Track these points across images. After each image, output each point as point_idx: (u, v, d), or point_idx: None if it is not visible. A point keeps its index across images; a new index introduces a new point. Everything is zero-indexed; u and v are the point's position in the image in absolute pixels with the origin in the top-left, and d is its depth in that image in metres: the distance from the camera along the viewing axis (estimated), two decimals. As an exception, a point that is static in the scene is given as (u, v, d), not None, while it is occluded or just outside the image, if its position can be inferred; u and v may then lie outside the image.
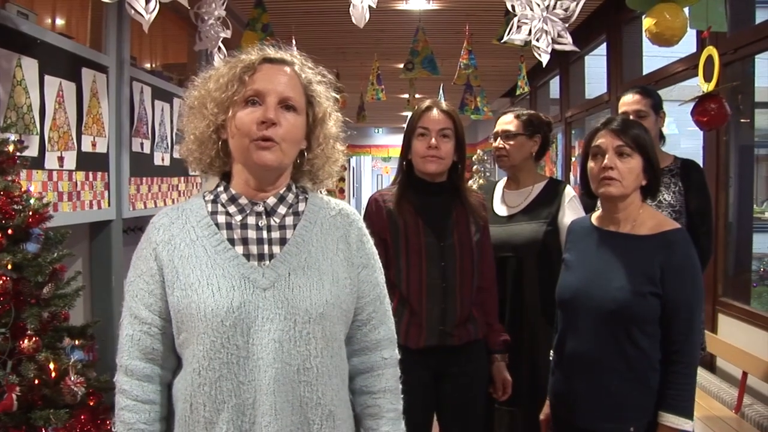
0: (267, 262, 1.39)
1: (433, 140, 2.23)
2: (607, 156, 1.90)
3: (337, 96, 1.54)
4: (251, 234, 1.41)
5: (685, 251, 1.89)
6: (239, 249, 1.39)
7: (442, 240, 2.25)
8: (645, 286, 1.85)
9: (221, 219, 1.43)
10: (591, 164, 1.96)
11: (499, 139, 2.70)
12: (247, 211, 1.43)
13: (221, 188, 1.47)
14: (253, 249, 1.40)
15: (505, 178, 2.87)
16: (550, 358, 2.22)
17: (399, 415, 1.57)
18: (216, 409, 1.32)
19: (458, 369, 2.28)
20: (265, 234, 1.42)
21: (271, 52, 1.44)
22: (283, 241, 1.42)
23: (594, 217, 2.08)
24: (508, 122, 2.72)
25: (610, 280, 1.90)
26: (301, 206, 1.49)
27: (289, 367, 1.34)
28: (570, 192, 2.71)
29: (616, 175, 1.89)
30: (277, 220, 1.44)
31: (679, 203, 2.64)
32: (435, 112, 2.28)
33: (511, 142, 2.69)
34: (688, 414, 1.82)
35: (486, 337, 2.36)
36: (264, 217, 1.43)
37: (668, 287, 1.85)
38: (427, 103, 2.33)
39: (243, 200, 1.43)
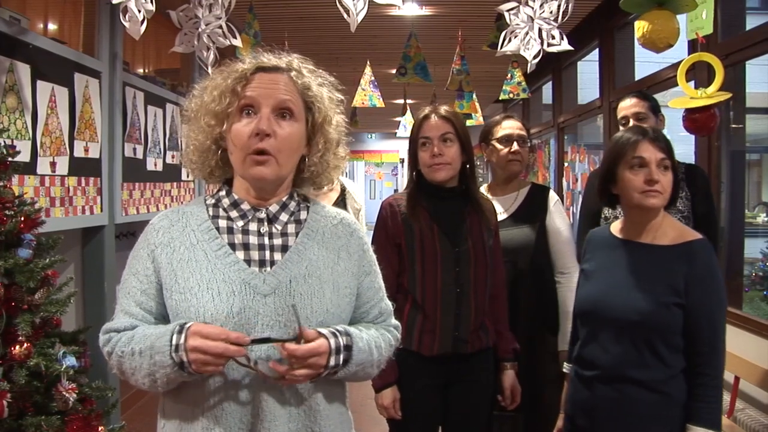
0: (268, 269, 1.38)
1: (436, 148, 2.23)
2: (653, 169, 1.89)
3: (342, 97, 1.52)
4: (253, 240, 1.41)
5: (708, 262, 1.88)
6: (240, 254, 1.38)
7: (456, 246, 2.24)
8: (669, 297, 1.84)
9: (222, 223, 1.42)
10: (630, 176, 1.92)
11: (515, 143, 2.70)
12: (249, 217, 1.42)
13: (223, 192, 1.46)
14: (255, 255, 1.39)
15: (486, 184, 2.87)
16: (565, 370, 2.21)
17: (386, 340, 1.50)
18: (215, 416, 1.31)
19: (468, 377, 2.27)
20: (266, 240, 1.41)
21: (265, 60, 1.42)
22: (284, 249, 1.42)
23: (614, 228, 2.07)
24: (521, 128, 2.73)
25: (632, 290, 1.89)
26: (303, 214, 1.49)
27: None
28: (554, 196, 2.75)
29: (660, 188, 1.89)
30: (279, 227, 1.43)
31: (687, 209, 2.64)
32: (433, 118, 2.27)
33: (525, 148, 2.71)
34: (717, 426, 1.81)
35: (495, 345, 2.35)
36: (266, 224, 1.43)
37: (692, 298, 1.83)
38: (425, 111, 2.32)
39: (245, 206, 1.43)
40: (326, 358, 1.31)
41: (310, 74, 1.45)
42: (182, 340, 1.23)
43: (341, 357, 1.34)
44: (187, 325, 1.26)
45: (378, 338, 1.47)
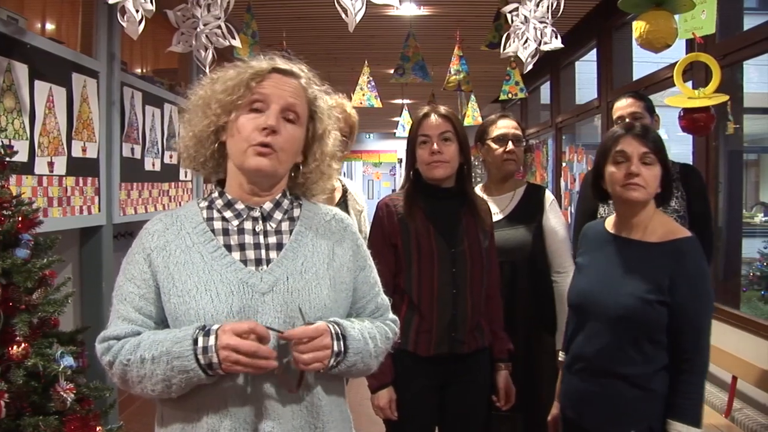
0: (264, 267, 1.39)
1: (435, 145, 2.23)
2: (633, 163, 1.91)
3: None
4: (248, 239, 1.42)
5: (695, 260, 1.89)
6: (236, 255, 1.39)
7: (453, 246, 2.24)
8: (652, 294, 1.85)
9: (217, 225, 1.43)
10: (613, 169, 1.96)
11: (510, 142, 2.70)
12: (244, 216, 1.43)
13: (216, 194, 1.47)
14: (251, 254, 1.40)
15: (482, 184, 2.86)
16: (560, 359, 2.23)
17: (381, 332, 1.51)
18: (219, 417, 1.32)
19: (464, 377, 2.27)
20: (261, 239, 1.43)
21: (281, 63, 1.45)
22: (279, 246, 1.43)
23: (608, 223, 2.09)
24: (516, 128, 2.73)
25: (619, 285, 1.91)
26: (296, 212, 1.50)
27: (290, 371, 1.34)
28: (550, 196, 2.76)
29: (641, 182, 1.90)
30: (273, 225, 1.45)
31: (683, 208, 2.65)
32: (433, 117, 2.27)
33: (520, 148, 2.71)
34: (697, 422, 1.82)
35: (491, 346, 2.35)
36: (260, 222, 1.44)
37: (678, 296, 1.85)
38: (425, 109, 2.33)
39: (239, 205, 1.44)
40: (330, 338, 1.33)
41: (317, 87, 1.50)
42: (211, 342, 1.24)
43: (341, 344, 1.36)
44: (215, 327, 1.26)
45: (372, 329, 1.47)
